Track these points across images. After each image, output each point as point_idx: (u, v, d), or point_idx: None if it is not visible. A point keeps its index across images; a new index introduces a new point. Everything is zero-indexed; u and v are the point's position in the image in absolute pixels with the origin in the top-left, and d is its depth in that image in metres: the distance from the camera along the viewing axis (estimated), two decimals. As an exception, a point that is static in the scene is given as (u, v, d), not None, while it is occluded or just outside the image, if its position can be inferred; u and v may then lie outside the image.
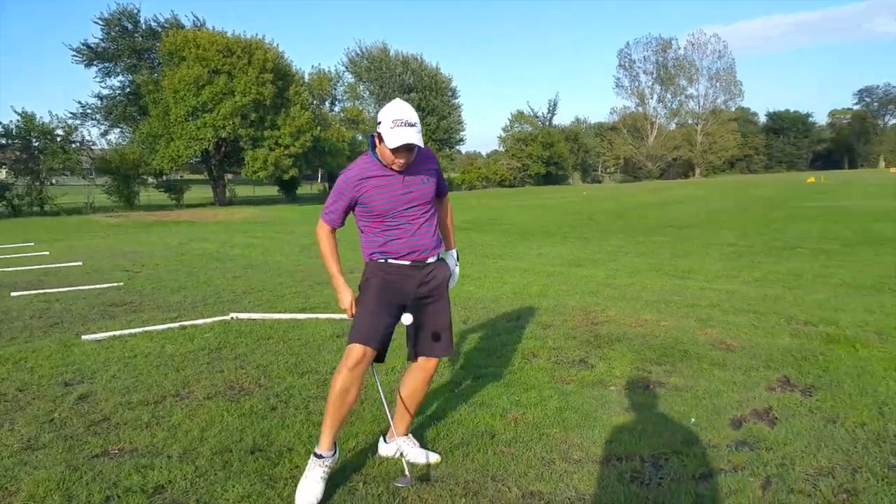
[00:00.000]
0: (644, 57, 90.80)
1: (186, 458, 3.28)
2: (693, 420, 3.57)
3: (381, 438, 3.35)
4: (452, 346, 3.29)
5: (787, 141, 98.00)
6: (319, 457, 2.90)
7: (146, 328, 6.05)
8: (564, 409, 3.78)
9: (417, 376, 3.24)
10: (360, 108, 60.34)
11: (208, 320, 6.41)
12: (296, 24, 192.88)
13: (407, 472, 2.92)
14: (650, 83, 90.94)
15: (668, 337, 5.23)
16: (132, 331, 5.95)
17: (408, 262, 3.06)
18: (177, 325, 6.20)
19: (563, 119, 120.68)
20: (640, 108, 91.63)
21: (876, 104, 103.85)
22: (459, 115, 69.68)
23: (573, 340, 5.28)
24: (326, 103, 53.06)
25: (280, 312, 6.79)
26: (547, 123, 76.37)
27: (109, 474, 3.10)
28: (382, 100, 64.20)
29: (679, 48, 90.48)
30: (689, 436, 3.37)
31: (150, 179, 36.92)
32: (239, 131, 34.12)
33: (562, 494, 2.83)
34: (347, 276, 3.20)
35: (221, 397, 4.20)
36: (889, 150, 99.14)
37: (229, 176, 41.60)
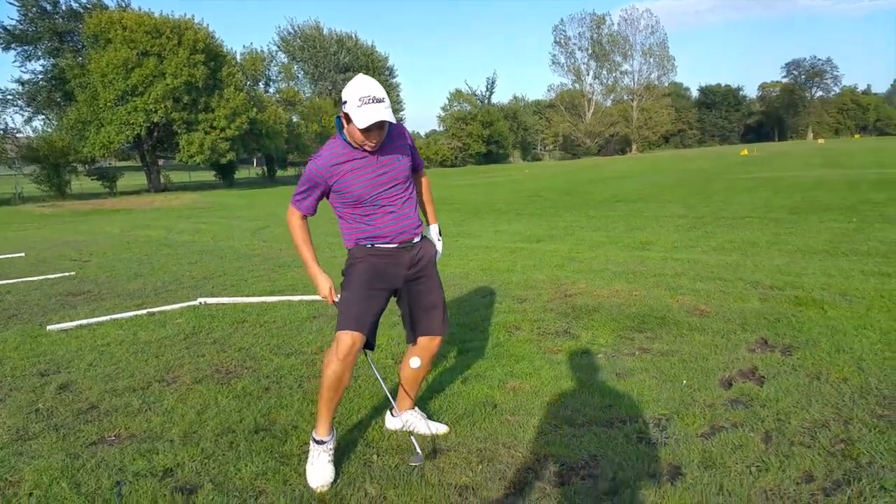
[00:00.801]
0: (579, 33, 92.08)
1: (189, 440, 3.22)
2: (685, 382, 3.69)
3: (388, 412, 3.34)
4: (448, 322, 3.25)
5: (718, 115, 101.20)
6: (321, 442, 2.86)
7: (113, 316, 5.84)
8: (559, 378, 3.85)
9: (422, 356, 3.18)
10: (296, 88, 59.21)
11: (176, 306, 6.23)
12: (225, 3, 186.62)
13: (418, 450, 2.91)
14: (586, 60, 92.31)
15: (643, 305, 5.38)
16: (99, 319, 5.74)
17: (395, 245, 2.96)
18: (144, 311, 6.01)
19: (501, 97, 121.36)
20: (577, 85, 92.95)
21: (803, 77, 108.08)
22: (398, 95, 69.27)
23: (551, 312, 5.36)
24: (261, 84, 51.75)
25: (248, 296, 6.66)
26: (486, 102, 76.75)
27: (113, 460, 3.02)
28: (318, 80, 63.21)
29: (613, 24, 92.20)
30: (684, 397, 3.49)
31: (81, 167, 35.36)
32: (172, 115, 33.03)
33: (575, 456, 2.89)
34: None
35: (210, 381, 4.11)
36: (816, 121, 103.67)
37: (161, 161, 40.20)
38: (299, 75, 64.49)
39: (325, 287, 3.02)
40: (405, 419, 3.26)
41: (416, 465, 2.87)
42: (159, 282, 7.76)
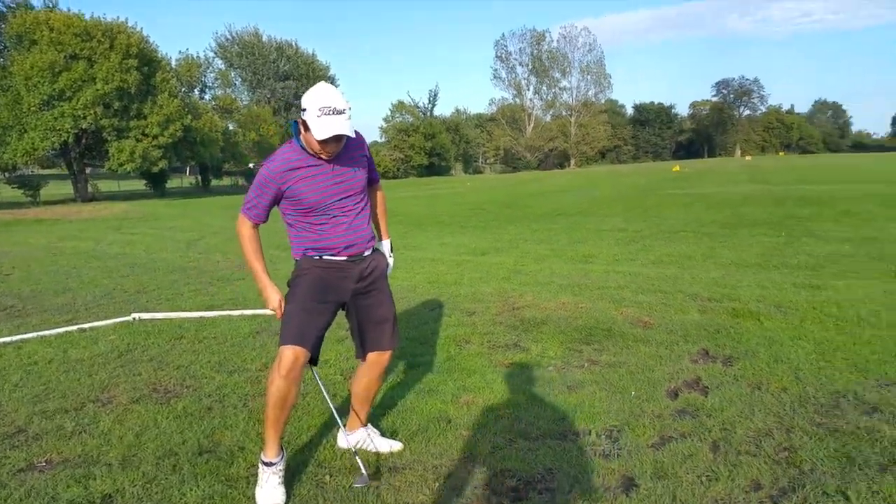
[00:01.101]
0: (519, 49, 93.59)
1: (129, 464, 3.06)
2: (633, 394, 3.75)
3: (340, 430, 3.27)
4: (398, 335, 3.21)
5: (652, 132, 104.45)
6: (269, 464, 2.76)
7: (40, 333, 5.54)
8: (512, 391, 3.85)
9: (371, 372, 3.12)
10: (234, 96, 58.13)
11: (108, 322, 5.96)
12: (160, 7, 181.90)
13: (364, 471, 2.84)
14: (526, 75, 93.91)
15: (589, 318, 5.45)
16: (24, 336, 5.43)
17: (344, 258, 2.90)
18: (74, 327, 5.73)
19: (443, 110, 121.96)
20: (518, 100, 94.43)
21: (732, 96, 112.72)
22: (339, 106, 68.66)
23: (500, 325, 5.38)
24: (196, 91, 50.55)
25: (186, 311, 6.44)
26: (428, 114, 77.05)
27: (44, 488, 2.84)
28: (256, 87, 62.20)
29: (552, 41, 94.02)
30: (633, 409, 3.54)
31: (0, 175, 33.64)
32: (102, 121, 31.75)
33: (531, 470, 2.89)
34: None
35: (148, 400, 3.93)
36: (744, 139, 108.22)
37: (89, 170, 38.64)
38: (237, 82, 63.42)
39: (275, 300, 2.92)
40: (358, 437, 3.19)
41: (360, 487, 2.79)
42: (89, 296, 7.42)
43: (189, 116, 36.79)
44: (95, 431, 3.46)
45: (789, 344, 4.44)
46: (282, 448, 2.83)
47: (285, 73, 62.88)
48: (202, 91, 53.10)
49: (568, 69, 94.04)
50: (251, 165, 53.76)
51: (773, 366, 4.05)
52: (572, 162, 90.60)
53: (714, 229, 11.23)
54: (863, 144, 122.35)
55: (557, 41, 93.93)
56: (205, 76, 55.95)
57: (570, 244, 10.32)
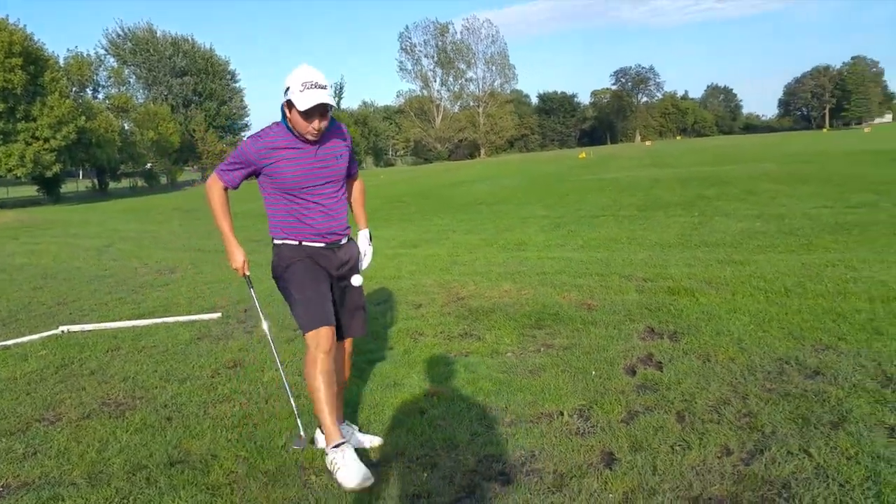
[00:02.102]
0: (424, 41, 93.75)
1: (98, 482, 2.93)
2: (594, 373, 3.90)
3: (318, 430, 3.24)
4: (367, 324, 3.32)
5: (557, 120, 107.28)
6: (339, 445, 2.74)
7: (-39, 354, 5.14)
8: (477, 380, 3.92)
9: (338, 358, 3.15)
10: (129, 94, 55.35)
11: (34, 337, 5.62)
12: (43, 4, 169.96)
13: (302, 433, 2.97)
14: (432, 67, 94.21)
15: (536, 304, 5.60)
16: (-57, 359, 5.03)
17: (323, 244, 2.99)
18: (-2, 345, 5.35)
19: (350, 103, 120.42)
20: (425, 92, 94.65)
21: (630, 84, 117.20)
22: (242, 100, 66.98)
23: (450, 316, 5.44)
24: (89, 90, 47.82)
25: (116, 321, 6.15)
26: (335, 107, 75.94)
27: (11, 517, 2.67)
28: (153, 84, 59.45)
29: (456, 33, 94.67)
30: (597, 387, 3.68)
31: None
32: (-15, 124, 29.61)
33: (514, 454, 2.97)
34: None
35: (101, 415, 3.76)
36: (643, 125, 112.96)
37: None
38: (131, 80, 60.35)
39: (240, 259, 3.05)
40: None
41: (298, 448, 2.96)
42: (4, 311, 6.95)
43: (83, 117, 34.84)
44: (51, 451, 3.27)
45: (727, 317, 4.73)
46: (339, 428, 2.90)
47: (182, 69, 60.43)
48: (95, 90, 50.40)
49: (473, 61, 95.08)
50: (149, 166, 51.52)
51: (716, 338, 4.30)
52: (482, 151, 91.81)
53: (632, 212, 11.71)
54: (753, 126, 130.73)
55: (461, 33, 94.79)
56: (97, 74, 53.11)
57: (498, 232, 10.50)
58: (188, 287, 7.83)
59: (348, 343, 3.25)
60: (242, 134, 72.90)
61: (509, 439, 3.11)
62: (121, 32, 60.02)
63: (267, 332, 3.27)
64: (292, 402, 3.15)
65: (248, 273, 3.09)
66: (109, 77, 57.07)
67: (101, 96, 52.00)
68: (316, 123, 2.76)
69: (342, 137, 3.04)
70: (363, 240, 3.30)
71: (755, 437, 2.94)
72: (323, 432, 2.84)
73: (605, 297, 5.65)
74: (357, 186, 3.35)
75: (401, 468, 2.90)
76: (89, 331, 5.82)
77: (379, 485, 2.75)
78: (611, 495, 2.58)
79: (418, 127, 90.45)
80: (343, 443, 2.75)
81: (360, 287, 3.18)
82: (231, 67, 65.30)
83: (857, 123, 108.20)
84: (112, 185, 49.29)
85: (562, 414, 3.36)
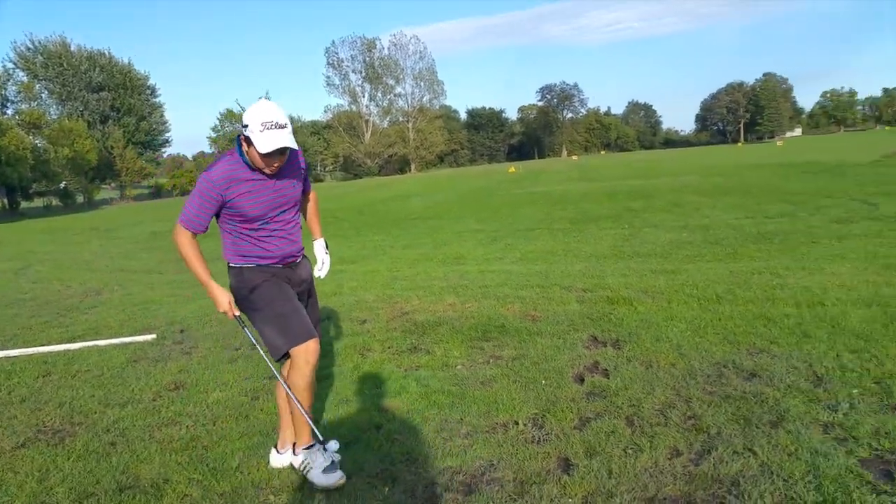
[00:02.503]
0: (351, 56, 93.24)
1: (43, 515, 2.79)
2: (543, 382, 3.99)
3: (273, 449, 3.19)
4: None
5: (486, 135, 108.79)
6: (311, 446, 2.92)
7: None
8: (430, 393, 3.94)
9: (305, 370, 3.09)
10: (41, 110, 52.96)
11: (-46, 366, 5.28)
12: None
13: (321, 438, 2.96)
14: (360, 82, 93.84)
15: (481, 316, 5.67)
16: None
17: (280, 266, 3.03)
18: (-87, 377, 5.01)
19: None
20: (354, 107, 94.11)
21: (555, 100, 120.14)
22: (162, 115, 65.15)
23: (396, 331, 5.44)
24: (-4, 106, 45.59)
25: (44, 345, 5.87)
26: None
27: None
28: (67, 100, 57.03)
29: (383, 49, 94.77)
30: (548, 396, 3.77)
31: None
32: None
33: (474, 465, 3.01)
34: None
35: (38, 443, 3.61)
36: (569, 140, 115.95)
37: None
38: (43, 95, 57.67)
39: (225, 302, 2.96)
40: (306, 455, 3.13)
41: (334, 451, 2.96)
42: (-83, 339, 6.51)
43: (-8, 134, 33.07)
44: (-14, 486, 3.10)
45: (664, 324, 4.92)
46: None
47: (99, 84, 58.28)
48: (3, 106, 47.96)
49: (401, 76, 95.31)
50: (63, 185, 49.32)
51: (656, 345, 4.47)
52: (413, 167, 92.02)
53: (565, 225, 12.01)
54: (672, 141, 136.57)
55: (389, 49, 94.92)
56: (5, 89, 50.65)
57: (436, 247, 10.57)
58: (117, 309, 7.55)
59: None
60: (163, 150, 70.83)
61: (467, 450, 3.15)
62: (31, 46, 57.28)
63: (271, 365, 3.13)
64: (307, 418, 2.93)
65: (237, 314, 2.96)
66: (19, 92, 54.56)
67: (10, 112, 49.61)
68: (275, 162, 2.77)
69: (297, 163, 3.03)
70: (319, 248, 3.39)
71: (701, 438, 3.08)
72: (296, 438, 2.97)
73: (547, 308, 5.78)
74: (311, 199, 3.38)
75: (362, 483, 2.90)
76: (15, 356, 5.53)
77: (339, 500, 2.74)
78: (570, 500, 2.66)
79: (347, 142, 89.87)
80: (314, 445, 2.87)
81: (316, 301, 3.27)
82: (151, 82, 63.49)
83: (769, 137, 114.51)
84: (25, 204, 46.93)
85: (516, 423, 3.42)
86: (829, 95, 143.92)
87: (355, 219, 18.24)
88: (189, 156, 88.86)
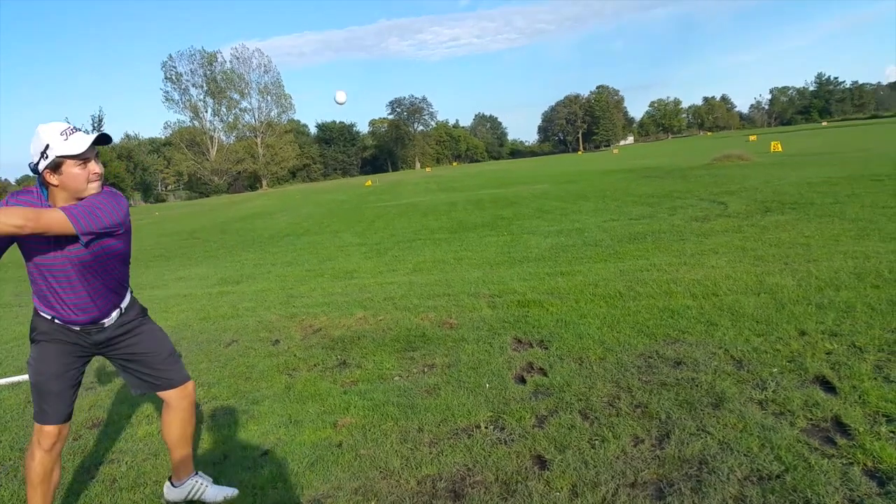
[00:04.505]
0: (191, 70, 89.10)
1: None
2: (487, 386, 4.07)
3: (168, 482, 3.01)
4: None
5: (338, 149, 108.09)
6: (196, 474, 2.97)
7: None
8: (378, 406, 3.89)
9: (178, 408, 2.94)
10: None
11: None
12: None
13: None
14: (202, 97, 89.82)
15: (399, 327, 5.66)
16: None
17: (78, 328, 2.72)
18: None
19: (112, 135, 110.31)
20: (196, 123, 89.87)
21: (405, 113, 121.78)
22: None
23: (317, 348, 5.30)
24: None
25: None
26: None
27: None
28: None
29: (225, 62, 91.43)
30: (497, 398, 3.85)
31: None
32: None
33: (452, 470, 3.02)
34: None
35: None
36: (421, 152, 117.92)
37: None
38: None
39: None
40: (191, 486, 2.98)
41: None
42: None
43: None
44: None
45: (580, 322, 5.19)
46: None
47: None
48: None
49: (246, 90, 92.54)
50: None
51: (580, 342, 4.70)
52: (264, 183, 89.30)
53: (444, 235, 12.22)
54: (518, 151, 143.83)
55: (231, 62, 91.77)
56: None
57: (321, 262, 10.36)
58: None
59: (186, 390, 2.94)
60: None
61: (439, 457, 3.16)
62: None
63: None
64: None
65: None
66: None
67: None
68: (93, 166, 2.54)
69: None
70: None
71: (655, 423, 3.30)
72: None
73: (461, 314, 5.88)
74: None
75: (345, 501, 2.81)
76: None
77: (331, 525, 2.65)
78: (558, 493, 2.75)
79: (191, 160, 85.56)
80: (196, 472, 2.99)
81: (158, 334, 2.93)
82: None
83: (606, 146, 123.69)
84: None
85: (479, 427, 3.47)
86: (656, 105, 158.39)
87: (220, 238, 17.42)
88: (13, 180, 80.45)
